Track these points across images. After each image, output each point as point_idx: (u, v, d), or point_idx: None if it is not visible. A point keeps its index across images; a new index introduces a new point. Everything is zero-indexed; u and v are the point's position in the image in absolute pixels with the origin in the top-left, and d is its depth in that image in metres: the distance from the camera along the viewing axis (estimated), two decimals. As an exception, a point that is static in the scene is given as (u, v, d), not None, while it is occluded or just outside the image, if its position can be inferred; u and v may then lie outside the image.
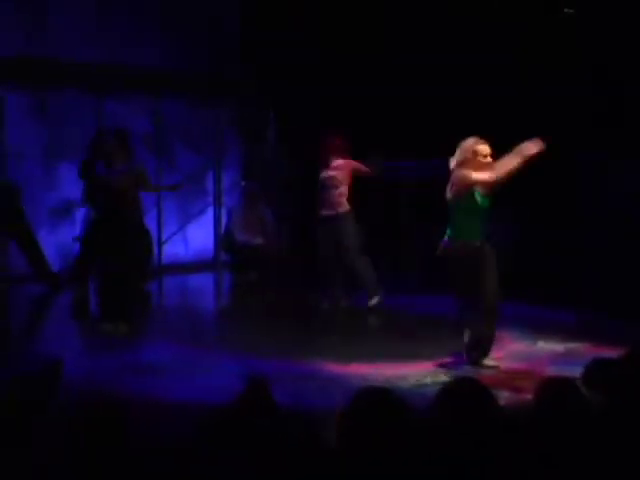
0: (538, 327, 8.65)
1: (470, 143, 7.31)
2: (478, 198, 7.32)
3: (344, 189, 9.75)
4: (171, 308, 10.95)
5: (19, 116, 11.57)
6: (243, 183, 12.93)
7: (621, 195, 10.22)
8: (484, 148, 7.30)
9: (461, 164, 7.29)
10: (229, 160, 13.35)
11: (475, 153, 7.27)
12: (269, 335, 8.51)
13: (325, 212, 9.81)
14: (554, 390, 3.47)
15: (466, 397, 3.24)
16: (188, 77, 12.67)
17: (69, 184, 11.53)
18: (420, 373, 7.10)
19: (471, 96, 10.21)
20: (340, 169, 9.76)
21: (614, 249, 9.89)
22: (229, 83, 13.07)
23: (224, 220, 12.83)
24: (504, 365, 7.38)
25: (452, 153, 7.46)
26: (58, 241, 11.83)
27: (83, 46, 11.80)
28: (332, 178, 9.74)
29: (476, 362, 7.32)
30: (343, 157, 9.79)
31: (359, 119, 10.06)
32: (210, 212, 13.23)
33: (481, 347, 7.36)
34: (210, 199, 13.26)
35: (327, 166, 9.79)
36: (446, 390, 3.31)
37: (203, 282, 12.68)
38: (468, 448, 3.12)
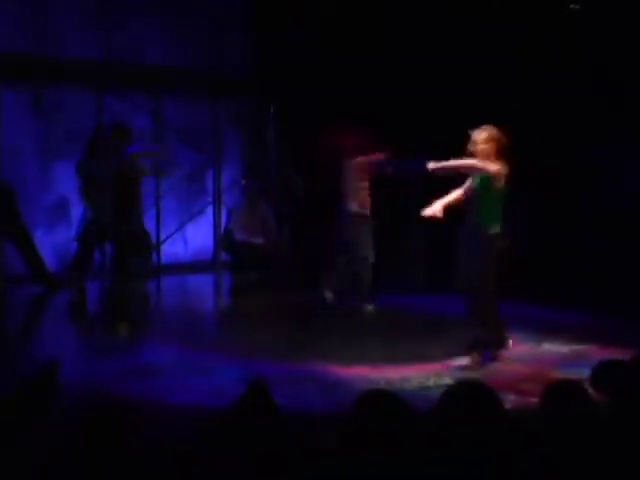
0: (543, 328, 8.62)
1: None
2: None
3: None
4: (170, 309, 10.93)
5: (16, 114, 11.54)
6: (243, 182, 12.91)
7: (621, 195, 10.21)
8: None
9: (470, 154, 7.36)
10: (229, 160, 13.34)
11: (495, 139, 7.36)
12: (269, 336, 8.49)
13: (360, 210, 9.87)
14: (560, 393, 3.45)
15: (470, 400, 3.21)
16: (188, 76, 12.66)
17: (66, 183, 11.51)
18: (423, 375, 7.08)
19: (471, 96, 10.19)
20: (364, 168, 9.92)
21: (614, 249, 9.87)
22: (229, 83, 13.05)
23: (224, 220, 12.81)
24: (509, 367, 7.35)
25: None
26: (55, 241, 11.80)
27: (83, 44, 11.78)
28: (363, 178, 9.85)
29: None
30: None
31: (359, 119, 10.04)
32: (209, 212, 13.22)
33: (479, 346, 7.36)
34: (209, 199, 13.24)
35: (355, 165, 9.86)
36: (450, 393, 3.28)
37: (202, 282, 12.65)
38: (472, 451, 3.09)
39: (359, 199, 9.85)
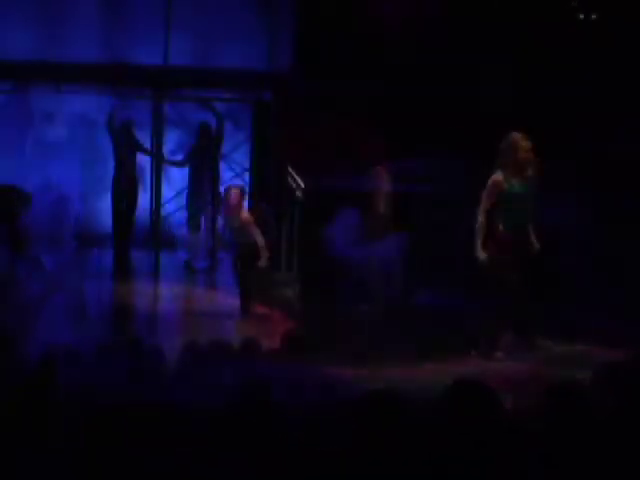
0: (544, 329, 8.61)
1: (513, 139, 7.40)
2: None
3: None
4: (169, 308, 10.92)
5: (16, 114, 11.55)
6: (242, 182, 12.90)
7: (621, 194, 10.21)
8: (526, 144, 7.39)
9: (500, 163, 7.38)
10: (229, 159, 13.33)
11: (517, 148, 7.36)
12: (269, 336, 8.48)
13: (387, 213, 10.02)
14: (560, 393, 3.45)
15: (470, 400, 3.21)
16: (188, 76, 12.65)
17: (65, 183, 11.52)
18: (423, 375, 7.07)
19: (471, 96, 10.20)
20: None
21: (615, 249, 9.87)
22: (231, 82, 13.04)
23: (222, 219, 12.79)
24: (509, 367, 7.36)
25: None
26: (53, 241, 11.79)
27: (82, 44, 11.79)
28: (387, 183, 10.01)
29: None
30: None
31: (359, 119, 10.06)
32: (208, 211, 13.20)
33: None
34: (209, 198, 13.22)
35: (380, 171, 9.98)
36: (450, 393, 3.28)
37: (201, 281, 12.63)
38: (472, 451, 3.09)
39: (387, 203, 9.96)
